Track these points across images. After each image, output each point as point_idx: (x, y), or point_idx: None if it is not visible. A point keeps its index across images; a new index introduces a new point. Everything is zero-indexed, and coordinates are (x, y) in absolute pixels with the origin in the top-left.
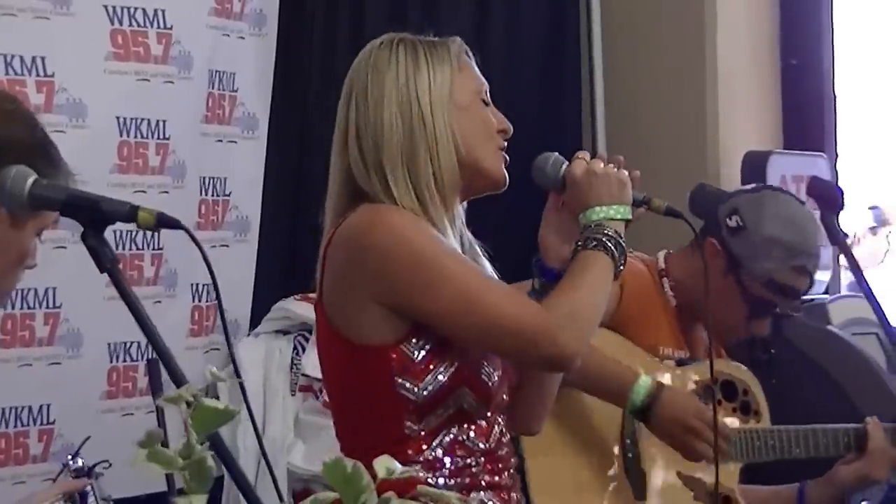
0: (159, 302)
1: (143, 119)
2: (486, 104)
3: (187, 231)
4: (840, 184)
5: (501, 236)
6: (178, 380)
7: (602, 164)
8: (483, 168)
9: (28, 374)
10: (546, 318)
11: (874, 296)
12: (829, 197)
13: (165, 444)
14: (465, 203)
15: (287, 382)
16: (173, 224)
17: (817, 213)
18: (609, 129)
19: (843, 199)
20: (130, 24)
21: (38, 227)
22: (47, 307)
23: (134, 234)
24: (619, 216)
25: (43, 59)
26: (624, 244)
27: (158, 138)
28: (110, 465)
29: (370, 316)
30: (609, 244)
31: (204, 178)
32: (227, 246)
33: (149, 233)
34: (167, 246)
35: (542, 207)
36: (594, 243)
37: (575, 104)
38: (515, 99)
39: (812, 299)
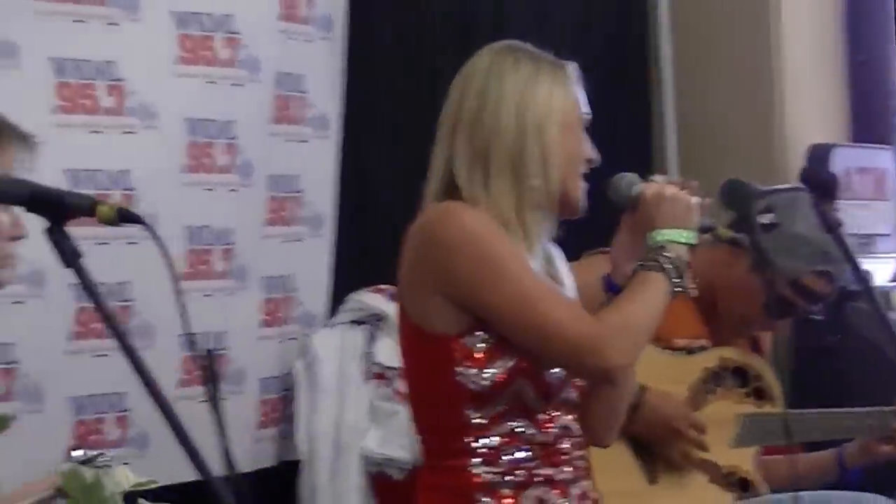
0: (231, 294)
1: (211, 120)
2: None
3: (148, 226)
4: None
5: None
6: None
7: (673, 188)
8: (570, 195)
9: None
10: (595, 329)
11: (871, 285)
12: (823, 185)
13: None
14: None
15: (361, 371)
16: (135, 219)
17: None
18: (679, 126)
19: (836, 187)
20: (198, 30)
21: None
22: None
23: (201, 231)
24: (682, 240)
25: (114, 63)
26: (683, 268)
27: (226, 139)
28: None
29: (436, 306)
30: (667, 266)
31: (272, 176)
32: (300, 241)
33: (217, 230)
34: (237, 241)
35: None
36: (653, 264)
37: (644, 100)
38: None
39: (876, 286)
